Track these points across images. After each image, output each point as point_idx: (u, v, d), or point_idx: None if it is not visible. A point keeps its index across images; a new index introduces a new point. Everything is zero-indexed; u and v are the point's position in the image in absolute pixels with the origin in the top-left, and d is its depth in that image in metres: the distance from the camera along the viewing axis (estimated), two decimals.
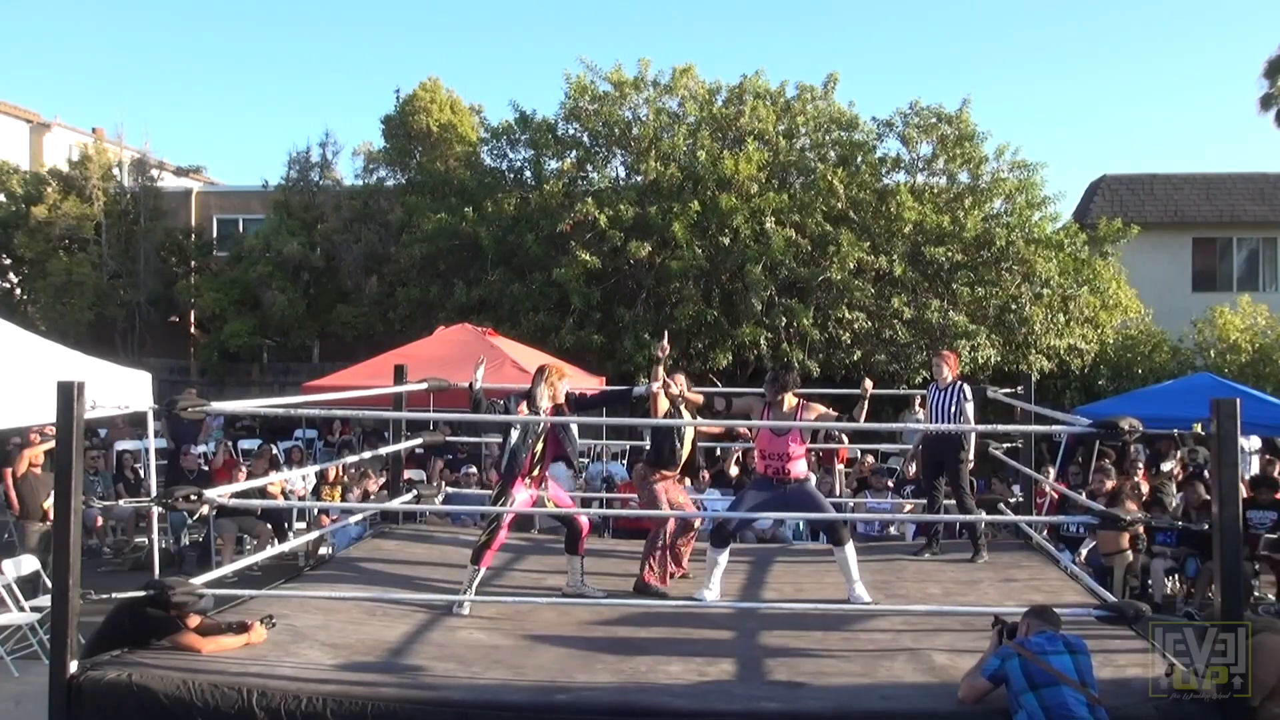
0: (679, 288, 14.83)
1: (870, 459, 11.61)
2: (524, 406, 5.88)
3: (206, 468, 11.68)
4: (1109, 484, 9.64)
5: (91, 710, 4.23)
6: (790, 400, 6.10)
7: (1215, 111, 56.06)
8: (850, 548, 5.94)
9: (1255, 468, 11.11)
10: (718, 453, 12.32)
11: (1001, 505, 8.73)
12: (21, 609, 7.48)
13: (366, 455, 9.44)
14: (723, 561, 6.01)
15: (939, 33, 58.15)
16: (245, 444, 14.22)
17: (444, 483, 9.44)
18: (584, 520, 6.22)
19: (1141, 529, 8.86)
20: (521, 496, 5.85)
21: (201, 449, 12.53)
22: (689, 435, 6.49)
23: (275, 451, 12.53)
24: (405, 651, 4.89)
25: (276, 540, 10.09)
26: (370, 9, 59.70)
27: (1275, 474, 10.05)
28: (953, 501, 7.34)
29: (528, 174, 17.24)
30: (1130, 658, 4.64)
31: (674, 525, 6.35)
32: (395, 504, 7.82)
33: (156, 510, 7.93)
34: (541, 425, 5.83)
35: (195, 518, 10.63)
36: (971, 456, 7.45)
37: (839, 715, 4.22)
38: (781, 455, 6.04)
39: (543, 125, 16.81)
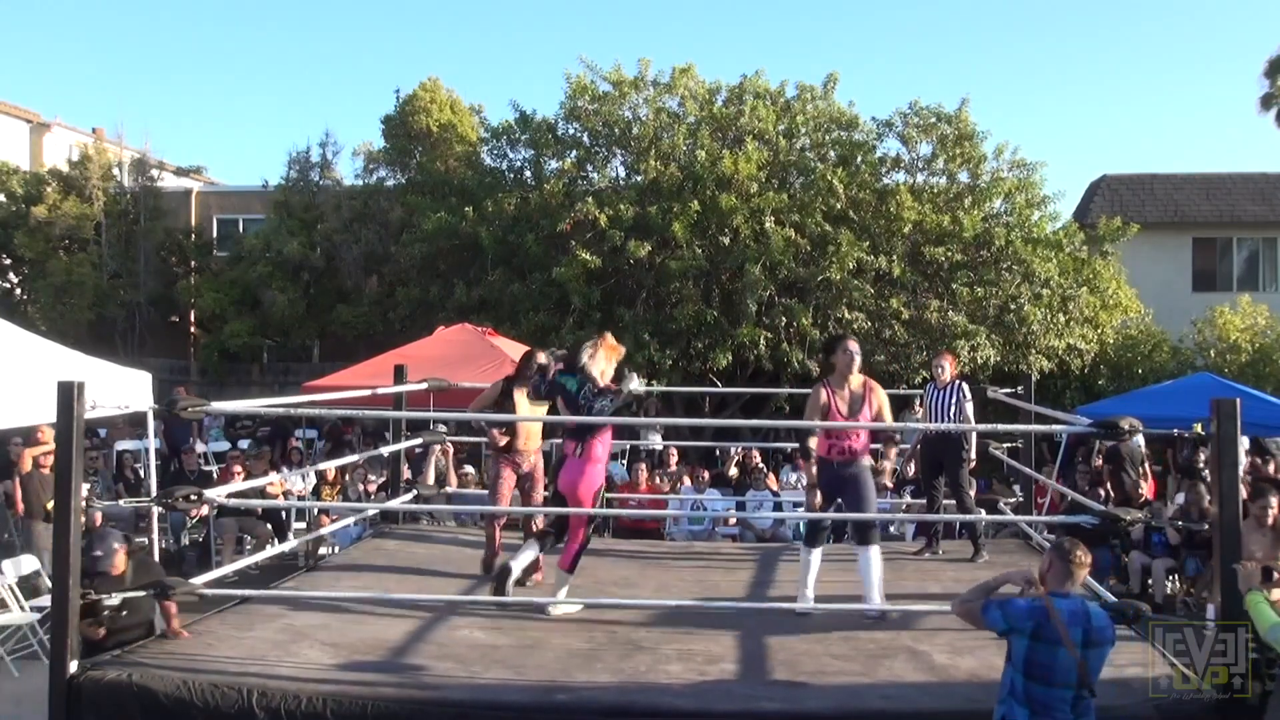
0: (679, 288, 14.82)
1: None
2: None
3: (208, 468, 11.69)
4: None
5: (91, 710, 4.23)
6: (858, 377, 5.89)
7: (1215, 111, 56.16)
8: (875, 551, 5.65)
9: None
10: (716, 453, 12.34)
11: (1002, 505, 8.72)
12: (22, 609, 7.48)
13: (356, 455, 9.45)
14: (815, 562, 5.73)
15: (939, 33, 58.22)
16: (244, 444, 14.22)
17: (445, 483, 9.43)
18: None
19: None
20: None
21: (203, 449, 12.53)
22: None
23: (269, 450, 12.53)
24: (405, 651, 4.89)
25: (276, 540, 10.10)
26: (370, 9, 59.77)
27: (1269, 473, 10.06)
28: (953, 501, 7.34)
29: (528, 174, 17.22)
30: (1130, 658, 4.63)
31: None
32: (395, 504, 7.82)
33: (156, 510, 7.93)
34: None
35: (196, 520, 10.63)
36: (974, 455, 7.44)
37: (839, 715, 4.22)
38: (850, 435, 5.75)
39: (543, 125, 16.80)
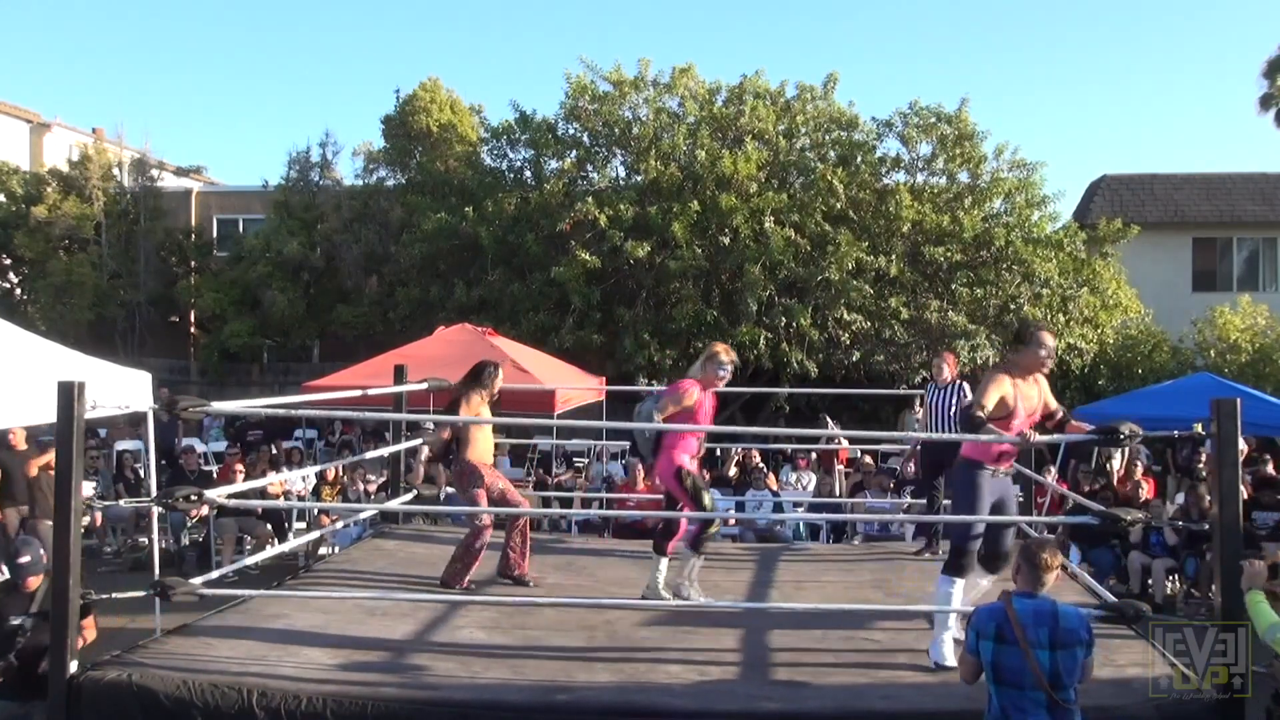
0: (679, 288, 14.83)
1: (869, 459, 11.61)
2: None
3: (208, 468, 11.69)
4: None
5: (91, 710, 4.23)
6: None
7: (1215, 111, 56.18)
8: (959, 586, 4.77)
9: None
10: (718, 453, 12.32)
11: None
12: None
13: (346, 456, 9.43)
14: (957, 596, 4.78)
15: (939, 33, 58.24)
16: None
17: (444, 483, 9.43)
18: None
19: None
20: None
21: (202, 449, 12.51)
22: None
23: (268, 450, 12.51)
24: (405, 651, 4.89)
25: (276, 540, 10.09)
26: (370, 9, 59.78)
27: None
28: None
29: (528, 174, 17.25)
30: (1130, 657, 4.63)
31: (492, 524, 6.14)
32: (395, 504, 7.82)
33: (156, 510, 7.93)
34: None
35: (196, 520, 10.62)
36: None
37: (839, 715, 4.22)
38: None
39: (543, 125, 16.81)
